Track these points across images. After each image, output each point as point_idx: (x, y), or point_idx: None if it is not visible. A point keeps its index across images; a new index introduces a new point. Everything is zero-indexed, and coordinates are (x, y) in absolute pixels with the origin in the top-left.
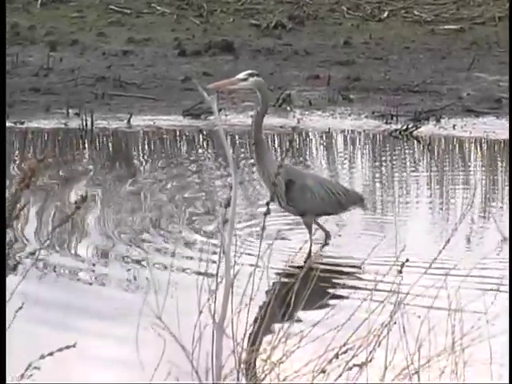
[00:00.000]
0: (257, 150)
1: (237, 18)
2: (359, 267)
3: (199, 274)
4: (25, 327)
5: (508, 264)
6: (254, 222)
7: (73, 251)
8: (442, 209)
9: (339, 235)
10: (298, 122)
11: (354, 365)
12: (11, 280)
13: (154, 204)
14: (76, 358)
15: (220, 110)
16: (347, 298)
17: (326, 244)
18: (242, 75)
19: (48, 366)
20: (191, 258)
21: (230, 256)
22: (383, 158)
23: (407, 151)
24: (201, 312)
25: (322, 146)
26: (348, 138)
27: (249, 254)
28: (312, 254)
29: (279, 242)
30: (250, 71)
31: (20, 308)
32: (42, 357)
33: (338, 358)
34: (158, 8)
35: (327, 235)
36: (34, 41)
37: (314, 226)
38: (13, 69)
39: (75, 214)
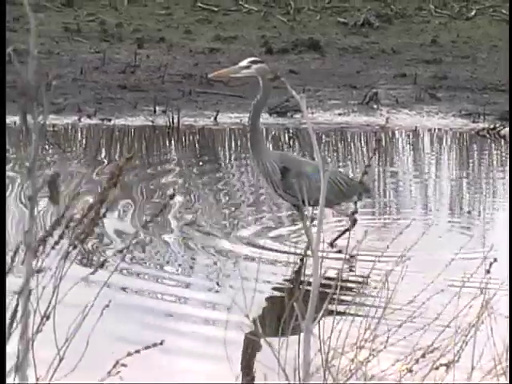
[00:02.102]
0: (252, 138)
1: (324, 16)
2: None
3: (286, 266)
4: (111, 325)
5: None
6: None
7: (159, 249)
8: None
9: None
10: (387, 121)
11: (441, 364)
12: (101, 275)
13: (239, 202)
14: (164, 357)
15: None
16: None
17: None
18: (244, 62)
19: (136, 364)
20: (278, 250)
21: (318, 255)
22: (470, 157)
23: (494, 150)
24: (288, 309)
25: (408, 145)
26: (435, 136)
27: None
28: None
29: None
30: (252, 58)
31: (107, 306)
32: (129, 354)
33: (424, 357)
34: (245, 6)
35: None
36: (121, 38)
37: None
38: (100, 66)
39: (161, 213)
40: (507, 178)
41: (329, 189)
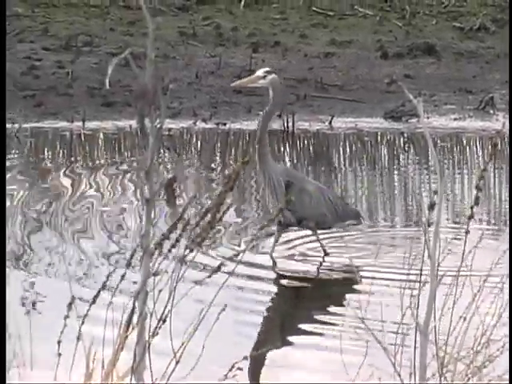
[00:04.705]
0: (259, 150)
1: (440, 21)
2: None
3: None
4: (227, 329)
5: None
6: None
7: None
8: None
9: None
10: (503, 126)
11: None
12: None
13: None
14: (273, 362)
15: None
16: None
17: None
18: (260, 72)
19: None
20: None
21: (435, 259)
22: None
23: None
24: (403, 315)
25: None
26: None
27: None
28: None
29: None
30: (267, 68)
31: (223, 309)
32: (245, 358)
33: None
34: (361, 10)
35: (325, 252)
36: (236, 42)
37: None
38: (216, 70)
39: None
40: None
41: (325, 208)
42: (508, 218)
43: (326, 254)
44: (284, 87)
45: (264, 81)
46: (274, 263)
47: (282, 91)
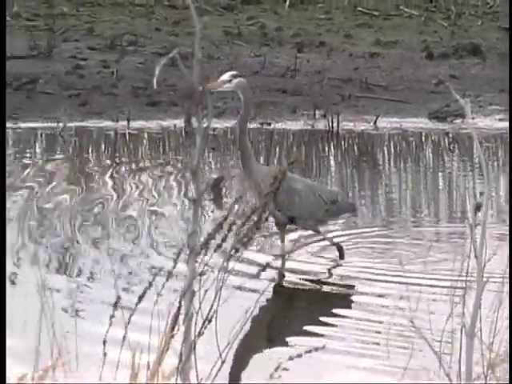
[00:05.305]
0: (242, 156)
1: (485, 21)
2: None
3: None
4: (270, 329)
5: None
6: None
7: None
8: None
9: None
10: None
11: None
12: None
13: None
14: (323, 363)
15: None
16: None
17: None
18: (226, 76)
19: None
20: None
21: (482, 259)
22: None
23: None
24: (450, 316)
25: None
26: None
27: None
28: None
29: None
30: (233, 72)
31: (264, 309)
32: (291, 358)
33: None
34: (406, 10)
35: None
36: (281, 42)
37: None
38: (260, 70)
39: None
40: None
41: (316, 205)
42: None
43: (341, 251)
44: (251, 90)
45: (230, 85)
46: (283, 263)
47: (251, 94)
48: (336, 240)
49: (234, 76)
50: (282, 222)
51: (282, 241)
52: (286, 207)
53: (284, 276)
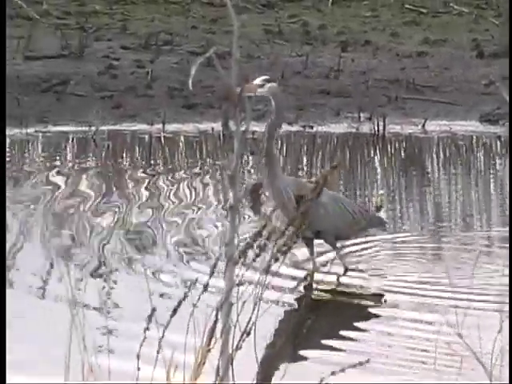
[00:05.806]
0: (268, 163)
1: None
2: None
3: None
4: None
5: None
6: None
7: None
8: None
9: None
10: None
11: None
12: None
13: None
14: (362, 375)
15: None
16: None
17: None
18: (258, 81)
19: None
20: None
21: None
22: None
23: None
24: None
25: None
26: None
27: None
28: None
29: None
30: (266, 77)
31: (308, 322)
32: (333, 373)
33: None
34: (456, 7)
35: (346, 269)
36: (324, 41)
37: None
38: (302, 70)
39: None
40: None
41: (343, 218)
42: None
43: (346, 271)
44: (285, 95)
45: (262, 89)
46: (312, 277)
47: (284, 100)
48: (347, 260)
49: (267, 81)
50: (307, 236)
51: (311, 254)
52: (311, 221)
53: (318, 289)
